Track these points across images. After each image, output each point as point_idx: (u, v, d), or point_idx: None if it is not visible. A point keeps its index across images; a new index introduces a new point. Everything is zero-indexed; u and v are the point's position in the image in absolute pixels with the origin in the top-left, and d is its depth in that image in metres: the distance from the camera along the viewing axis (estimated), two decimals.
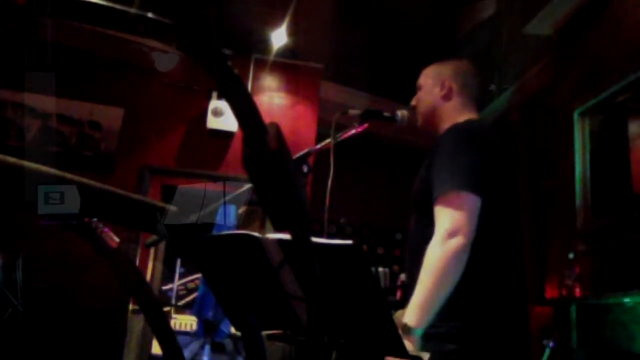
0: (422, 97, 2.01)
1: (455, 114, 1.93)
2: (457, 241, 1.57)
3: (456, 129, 1.80)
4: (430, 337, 1.56)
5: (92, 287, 3.84)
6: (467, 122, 1.85)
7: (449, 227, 1.58)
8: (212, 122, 5.06)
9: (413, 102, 2.04)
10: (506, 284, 1.74)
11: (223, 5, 4.79)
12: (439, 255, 1.56)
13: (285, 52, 5.35)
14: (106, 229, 2.79)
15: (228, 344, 3.61)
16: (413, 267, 1.70)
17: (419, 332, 1.52)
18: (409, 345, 1.45)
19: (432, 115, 1.98)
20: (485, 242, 1.65)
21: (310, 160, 1.85)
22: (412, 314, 1.54)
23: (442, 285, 1.55)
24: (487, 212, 1.65)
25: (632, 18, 3.52)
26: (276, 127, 0.89)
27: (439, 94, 1.97)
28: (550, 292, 4.00)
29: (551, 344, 3.33)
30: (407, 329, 1.52)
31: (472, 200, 1.62)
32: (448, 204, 1.62)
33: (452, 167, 1.67)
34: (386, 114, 2.00)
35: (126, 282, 2.72)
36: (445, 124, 1.90)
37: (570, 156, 3.92)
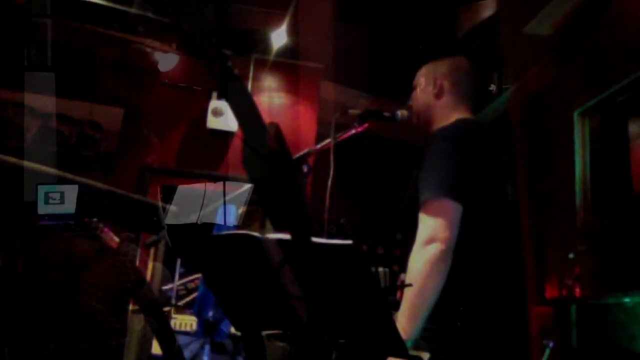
0: (416, 95, 2.01)
1: (447, 112, 1.93)
2: (435, 248, 1.58)
3: (440, 134, 1.81)
4: (421, 339, 1.57)
5: (92, 287, 3.85)
6: (453, 125, 1.85)
7: (427, 234, 1.60)
8: (212, 122, 5.06)
9: (410, 102, 2.04)
10: (493, 287, 1.74)
11: (223, 5, 4.78)
12: (418, 263, 1.58)
13: (285, 52, 5.35)
14: (106, 229, 2.79)
15: (228, 344, 3.61)
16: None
17: (408, 343, 1.51)
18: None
19: (425, 114, 1.98)
20: (470, 246, 1.66)
21: (310, 160, 1.85)
22: (400, 325, 1.52)
23: (424, 293, 1.56)
24: (470, 217, 1.66)
25: (632, 18, 3.52)
26: (276, 127, 0.90)
27: (431, 92, 1.96)
28: (550, 292, 4.00)
29: (551, 344, 3.33)
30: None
31: (452, 207, 1.62)
32: (428, 212, 1.63)
33: (434, 174, 1.68)
34: (386, 114, 2.00)
35: (126, 282, 2.72)
36: (437, 123, 1.91)
37: (570, 156, 3.92)
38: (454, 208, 1.63)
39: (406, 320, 1.55)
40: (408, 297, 1.57)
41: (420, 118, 1.99)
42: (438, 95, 1.96)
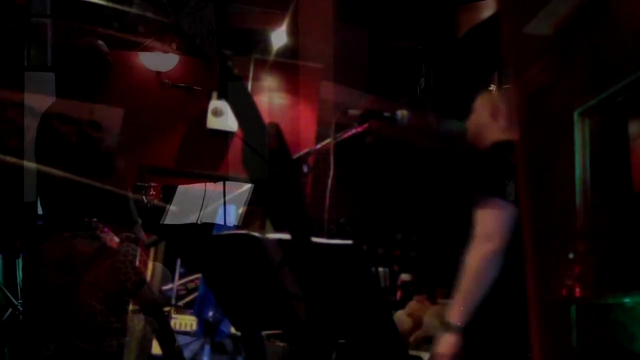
0: (474, 118, 2.21)
1: (501, 132, 2.13)
2: (491, 245, 1.76)
3: (500, 146, 2.05)
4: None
5: (92, 287, 3.83)
6: (509, 141, 2.10)
7: (485, 231, 1.78)
8: (212, 122, 5.06)
9: (468, 124, 2.23)
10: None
11: (223, 5, 4.78)
12: (475, 258, 1.76)
13: (285, 52, 5.35)
14: (106, 229, 2.78)
15: (228, 344, 3.61)
16: None
17: (457, 328, 1.69)
18: (447, 341, 1.66)
19: (480, 134, 2.17)
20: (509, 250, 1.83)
21: (310, 160, 1.85)
22: (451, 312, 1.74)
23: (478, 285, 1.74)
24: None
25: (632, 18, 3.52)
26: (276, 127, 0.90)
27: (489, 114, 2.16)
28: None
29: None
30: (446, 325, 1.72)
31: (508, 208, 1.84)
32: (486, 210, 1.82)
33: (493, 178, 1.90)
34: (386, 114, 2.03)
35: (126, 282, 2.72)
36: (487, 141, 2.11)
37: (570, 156, 3.92)
38: (510, 209, 1.84)
39: (459, 308, 1.73)
40: (463, 288, 1.75)
41: (475, 138, 2.19)
42: (495, 116, 2.16)
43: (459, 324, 1.71)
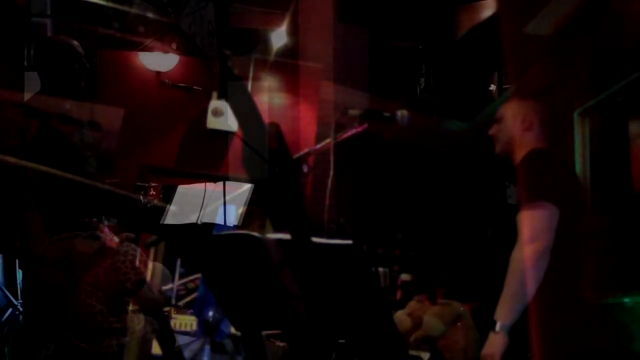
0: (504, 128, 2.24)
1: (532, 141, 2.18)
2: (536, 247, 1.79)
3: (540, 153, 2.11)
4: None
5: (92, 287, 3.82)
6: (547, 150, 2.15)
7: (530, 234, 1.81)
8: (212, 122, 5.06)
9: (492, 132, 2.27)
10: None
11: (223, 5, 4.78)
12: (520, 259, 1.80)
13: (285, 52, 5.35)
14: (106, 229, 2.78)
15: (228, 344, 3.60)
16: None
17: (504, 327, 1.76)
18: (494, 341, 1.72)
19: (512, 144, 2.21)
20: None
21: (310, 160, 1.85)
22: (498, 312, 1.80)
23: (524, 285, 1.77)
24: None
25: (632, 18, 3.52)
26: (276, 127, 0.90)
27: (520, 126, 2.18)
28: None
29: None
30: (493, 324, 1.77)
31: (552, 211, 1.86)
32: (531, 213, 1.85)
33: (539, 183, 1.92)
34: (386, 114, 2.03)
35: (126, 282, 2.72)
36: (522, 151, 2.15)
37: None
38: (554, 211, 1.86)
39: (506, 309, 1.78)
40: (509, 288, 1.79)
41: (505, 147, 2.24)
42: (527, 129, 2.19)
43: (506, 323, 1.75)
